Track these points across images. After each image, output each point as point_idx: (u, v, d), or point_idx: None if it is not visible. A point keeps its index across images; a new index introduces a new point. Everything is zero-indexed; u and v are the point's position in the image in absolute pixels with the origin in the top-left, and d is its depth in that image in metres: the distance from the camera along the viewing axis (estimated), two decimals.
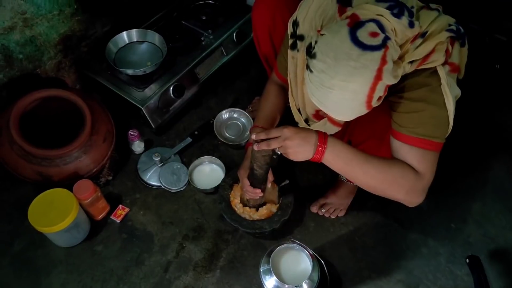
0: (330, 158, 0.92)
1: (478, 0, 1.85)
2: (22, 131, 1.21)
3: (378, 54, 0.78)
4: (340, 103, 0.83)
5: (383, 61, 0.78)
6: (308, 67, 0.85)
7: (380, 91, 0.81)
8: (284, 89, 1.23)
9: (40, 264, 1.24)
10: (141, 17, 1.66)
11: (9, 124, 1.20)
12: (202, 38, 1.62)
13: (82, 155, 1.28)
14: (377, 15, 0.82)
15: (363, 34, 0.79)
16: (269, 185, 1.19)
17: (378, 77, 0.79)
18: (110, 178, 1.40)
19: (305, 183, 1.44)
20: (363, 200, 1.37)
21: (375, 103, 0.84)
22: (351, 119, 0.88)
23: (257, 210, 1.25)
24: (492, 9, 1.86)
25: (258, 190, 1.14)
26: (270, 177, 1.17)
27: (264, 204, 1.26)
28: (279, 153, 0.96)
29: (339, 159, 0.92)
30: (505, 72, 1.81)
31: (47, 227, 1.14)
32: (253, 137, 0.95)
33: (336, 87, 0.80)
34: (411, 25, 0.83)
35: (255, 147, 0.95)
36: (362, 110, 0.85)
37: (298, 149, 0.91)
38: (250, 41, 1.70)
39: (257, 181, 1.12)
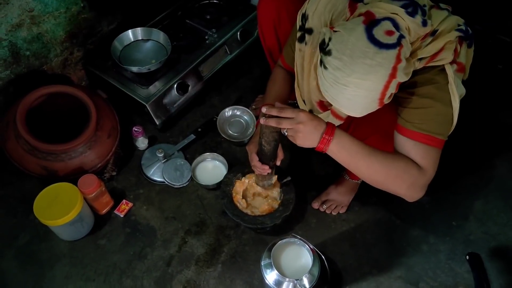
0: (335, 149, 0.93)
1: (481, 0, 1.86)
2: (28, 126, 1.23)
3: (393, 53, 0.79)
4: (353, 100, 0.84)
5: (398, 59, 0.79)
6: (321, 63, 0.86)
7: (392, 89, 0.83)
8: (290, 75, 1.23)
9: (44, 257, 1.25)
10: (146, 16, 1.68)
11: (15, 119, 1.22)
12: (206, 37, 1.64)
13: (87, 150, 1.30)
14: (392, 13, 0.83)
15: (379, 33, 0.79)
16: (278, 162, 1.16)
17: (392, 75, 0.80)
18: (114, 173, 1.42)
19: (307, 180, 1.45)
20: (365, 197, 1.38)
21: (386, 100, 0.85)
22: (363, 115, 0.89)
23: (266, 188, 1.25)
24: (495, 9, 1.86)
25: (266, 166, 1.11)
26: (281, 154, 1.15)
27: (268, 198, 1.27)
28: (286, 133, 0.94)
29: (344, 151, 0.93)
30: (508, 73, 1.81)
31: (52, 220, 1.16)
32: (264, 110, 0.94)
33: (352, 84, 0.81)
34: (424, 23, 0.84)
35: (262, 121, 0.94)
36: (374, 107, 0.87)
37: (308, 136, 0.91)
38: (253, 40, 1.71)
39: (265, 157, 1.10)
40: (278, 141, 1.03)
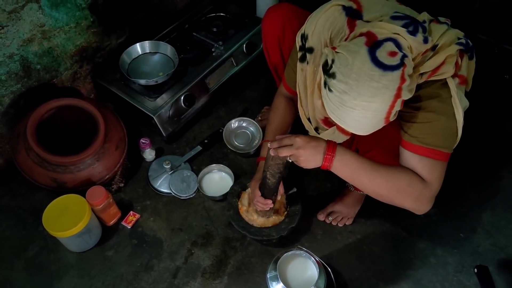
0: (338, 166, 0.95)
1: (486, 10, 1.86)
2: (38, 138, 1.25)
3: (397, 74, 0.80)
4: (361, 121, 0.85)
5: (402, 79, 0.80)
6: (326, 85, 0.86)
7: (398, 107, 0.84)
8: (292, 101, 1.25)
9: (52, 269, 1.27)
10: (153, 29, 1.71)
11: (26, 132, 1.24)
12: (212, 49, 1.66)
13: (95, 162, 1.32)
14: (394, 33, 0.83)
15: (382, 54, 0.80)
16: (279, 197, 1.20)
17: (397, 95, 0.81)
18: (122, 185, 1.43)
19: (313, 191, 1.45)
20: (371, 208, 1.38)
21: (392, 118, 0.86)
22: (369, 133, 0.90)
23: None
24: (501, 19, 1.87)
25: (269, 201, 1.15)
26: (281, 189, 1.19)
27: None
28: (290, 161, 0.98)
29: (347, 167, 0.95)
30: None
31: (60, 231, 1.17)
32: (269, 145, 0.98)
33: (358, 107, 0.82)
34: (426, 41, 0.85)
35: (271, 152, 0.97)
36: (380, 125, 0.88)
37: (309, 158, 0.94)
38: (259, 52, 1.73)
39: (268, 191, 1.13)
40: (282, 173, 1.06)
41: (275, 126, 1.24)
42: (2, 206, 1.41)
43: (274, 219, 1.26)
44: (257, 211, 1.24)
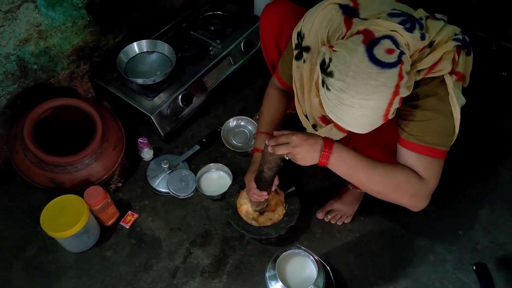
0: (335, 163, 0.95)
1: (484, 7, 1.86)
2: (35, 139, 1.25)
3: (395, 71, 0.79)
4: (359, 119, 0.85)
5: (400, 76, 0.80)
6: (323, 84, 0.86)
7: (396, 104, 0.83)
8: (285, 93, 1.26)
9: (51, 269, 1.26)
10: (151, 28, 1.70)
11: (23, 132, 1.24)
12: (210, 48, 1.65)
13: (93, 162, 1.31)
14: (391, 30, 0.83)
15: (380, 52, 0.80)
16: (273, 188, 1.20)
17: (396, 92, 0.81)
18: (120, 184, 1.43)
19: (311, 190, 1.45)
20: (370, 206, 1.38)
21: (391, 116, 0.86)
22: (368, 131, 0.90)
23: (261, 214, 1.27)
24: (499, 16, 1.87)
25: (265, 193, 1.15)
26: (276, 181, 1.19)
27: (264, 211, 1.28)
28: (287, 158, 0.98)
29: (344, 164, 0.95)
30: None
31: (58, 232, 1.17)
32: (266, 142, 0.98)
33: (357, 105, 0.82)
34: (423, 37, 0.85)
35: (269, 149, 0.97)
36: (379, 123, 0.87)
37: (306, 155, 0.95)
38: (257, 51, 1.73)
39: (264, 184, 1.13)
40: (280, 167, 1.06)
41: (269, 117, 1.24)
42: (0, 207, 1.40)
43: (273, 217, 1.26)
44: (252, 202, 1.24)
